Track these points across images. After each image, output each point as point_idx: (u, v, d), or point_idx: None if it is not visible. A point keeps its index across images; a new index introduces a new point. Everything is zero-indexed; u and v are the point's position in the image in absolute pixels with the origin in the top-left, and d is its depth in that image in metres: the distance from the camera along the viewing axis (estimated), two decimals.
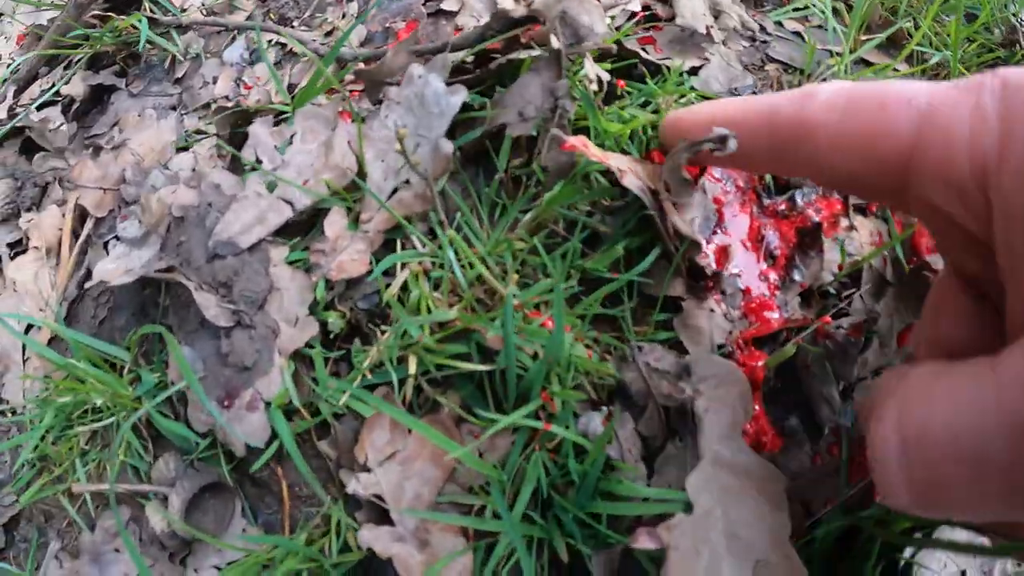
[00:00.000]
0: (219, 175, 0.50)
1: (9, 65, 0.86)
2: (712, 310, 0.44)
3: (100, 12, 0.76)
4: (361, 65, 0.53)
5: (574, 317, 0.42)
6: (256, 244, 0.47)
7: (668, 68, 0.52)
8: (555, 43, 0.41)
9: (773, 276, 0.48)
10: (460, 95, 0.42)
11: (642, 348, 0.42)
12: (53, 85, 0.76)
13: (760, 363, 0.45)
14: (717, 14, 0.59)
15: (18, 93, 0.76)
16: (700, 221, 0.47)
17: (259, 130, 0.50)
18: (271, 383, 0.46)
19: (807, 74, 0.58)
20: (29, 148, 0.73)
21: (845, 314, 0.47)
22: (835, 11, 0.65)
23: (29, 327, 0.62)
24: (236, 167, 0.53)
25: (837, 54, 0.61)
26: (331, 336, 0.47)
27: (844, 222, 0.52)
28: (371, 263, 0.46)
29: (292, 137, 0.49)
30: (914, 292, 0.47)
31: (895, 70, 0.61)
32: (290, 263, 0.47)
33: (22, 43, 0.88)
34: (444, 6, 0.63)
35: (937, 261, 0.49)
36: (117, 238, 0.58)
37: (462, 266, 0.44)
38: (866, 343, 0.45)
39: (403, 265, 0.45)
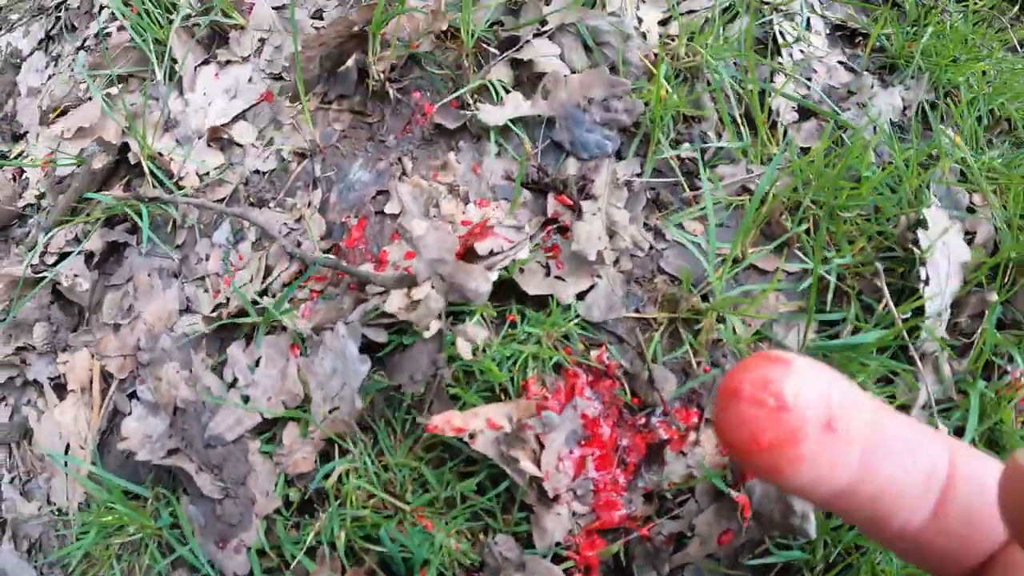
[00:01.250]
0: (209, 378, 0.72)
1: (39, 198, 1.07)
2: (559, 513, 0.66)
3: (107, 174, 0.96)
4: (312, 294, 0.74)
5: (447, 519, 0.65)
6: (238, 438, 0.70)
7: (553, 298, 0.72)
8: (434, 326, 0.61)
9: (622, 479, 0.69)
10: (366, 366, 0.63)
11: (498, 541, 0.64)
12: (76, 237, 0.97)
13: (593, 552, 0.67)
14: (612, 234, 0.77)
15: (47, 243, 0.98)
16: (567, 435, 0.68)
17: (235, 352, 0.71)
18: (250, 535, 0.69)
19: (685, 288, 0.76)
20: (61, 294, 0.95)
21: (677, 516, 0.68)
22: (739, 207, 0.82)
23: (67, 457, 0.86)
24: (221, 370, 0.75)
25: (734, 261, 0.78)
26: (291, 505, 0.70)
27: (692, 436, 0.71)
28: (316, 461, 0.68)
29: (259, 360, 0.71)
30: (731, 506, 0.67)
31: (784, 271, 0.78)
32: (262, 452, 0.70)
33: (46, 171, 1.09)
34: (388, 209, 0.83)
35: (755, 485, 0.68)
36: (137, 398, 0.81)
37: (376, 473, 0.66)
38: (680, 546, 0.67)
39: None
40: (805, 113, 0.91)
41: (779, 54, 0.95)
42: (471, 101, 0.85)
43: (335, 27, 0.86)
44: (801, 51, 0.97)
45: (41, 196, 1.04)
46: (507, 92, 0.84)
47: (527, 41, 0.86)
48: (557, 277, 0.73)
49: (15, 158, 1.14)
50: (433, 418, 0.59)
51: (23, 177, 1.08)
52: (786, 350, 0.74)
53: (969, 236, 0.90)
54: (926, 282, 0.77)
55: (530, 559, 0.62)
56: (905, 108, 0.95)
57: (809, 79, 0.94)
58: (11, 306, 0.94)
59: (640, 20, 0.91)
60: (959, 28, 1.01)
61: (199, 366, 0.74)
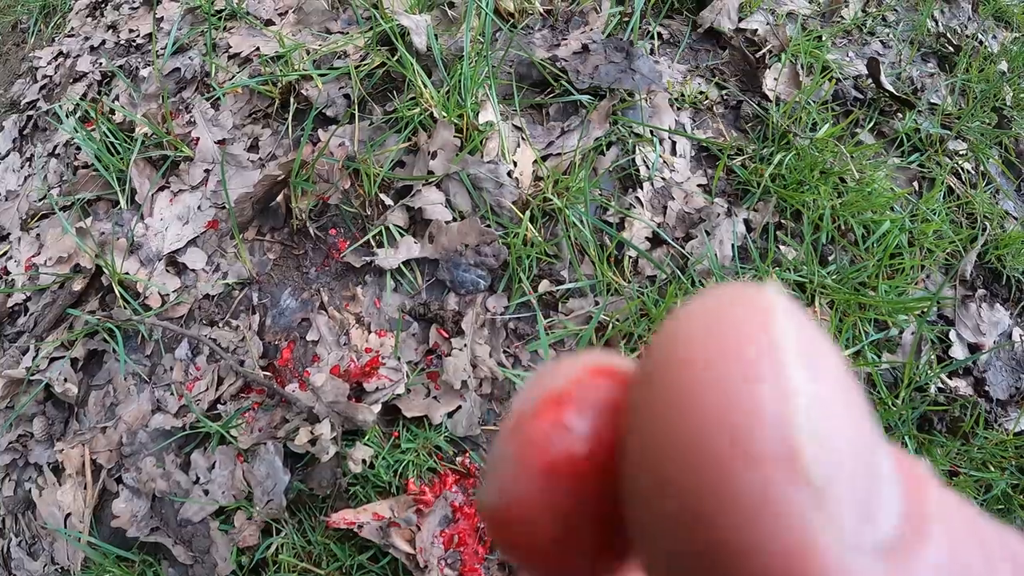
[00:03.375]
0: (179, 475, 1.19)
1: (27, 301, 1.52)
2: None
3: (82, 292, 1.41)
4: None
5: None
6: (202, 520, 1.16)
7: (427, 418, 1.17)
8: (332, 450, 1.06)
9: (481, 552, 1.15)
10: (288, 476, 1.08)
11: None
12: (63, 344, 1.42)
13: None
14: (475, 365, 1.21)
15: (38, 342, 1.43)
16: (440, 519, 1.13)
17: (197, 458, 1.17)
18: None
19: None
20: (51, 392, 1.41)
21: None
22: (591, 341, 1.26)
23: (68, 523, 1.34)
24: (187, 466, 1.21)
25: None
26: (243, 569, 1.17)
27: None
28: (259, 537, 1.15)
29: (214, 464, 1.16)
30: None
31: None
32: (220, 530, 1.16)
33: (29, 270, 1.54)
34: (309, 336, 1.27)
35: None
36: (123, 483, 1.27)
37: (301, 547, 1.12)
38: None
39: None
40: (655, 241, 1.33)
41: (639, 186, 1.36)
42: (374, 243, 1.28)
43: (263, 181, 1.29)
44: (663, 178, 1.38)
45: (28, 299, 1.49)
46: (402, 235, 1.27)
47: (418, 190, 1.29)
48: (434, 398, 1.18)
49: (0, 257, 1.59)
50: (332, 515, 1.05)
51: (9, 279, 1.54)
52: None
53: None
54: None
55: None
56: (751, 231, 1.36)
57: (666, 207, 1.36)
58: (12, 402, 1.41)
59: (515, 163, 1.32)
60: (809, 151, 1.40)
61: (170, 465, 1.20)
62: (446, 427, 1.16)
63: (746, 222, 1.36)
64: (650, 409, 0.12)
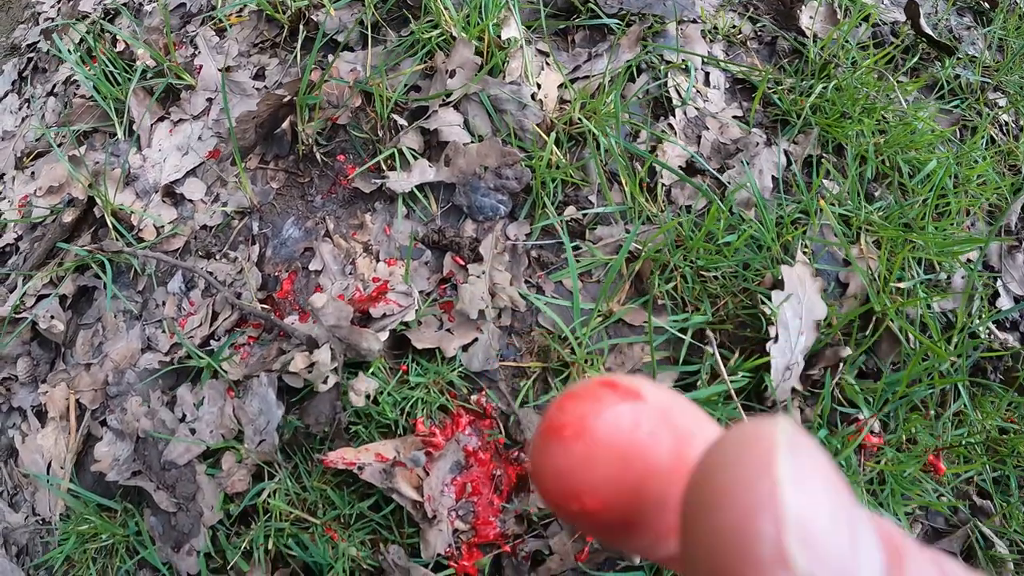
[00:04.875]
0: (164, 413, 0.95)
1: (18, 240, 1.29)
2: (440, 529, 0.88)
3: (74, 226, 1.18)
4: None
5: (350, 532, 0.87)
6: (188, 463, 0.93)
7: (439, 350, 0.93)
8: (332, 380, 0.83)
9: (497, 503, 0.91)
10: (281, 410, 0.85)
11: (391, 550, 0.87)
12: (51, 280, 1.20)
13: (471, 563, 0.89)
14: (495, 294, 0.98)
15: (25, 281, 1.21)
16: (451, 464, 0.90)
17: (184, 393, 0.94)
18: (199, 542, 0.93)
19: (554, 342, 0.97)
20: (39, 332, 1.19)
21: (541, 536, 0.90)
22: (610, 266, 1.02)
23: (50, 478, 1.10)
24: (173, 404, 0.98)
25: (605, 315, 0.98)
26: (231, 517, 0.93)
27: None
28: (249, 483, 0.91)
29: (203, 399, 0.93)
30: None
31: (649, 326, 0.99)
32: (207, 474, 0.93)
33: (22, 214, 1.31)
34: (312, 266, 1.04)
35: None
36: (107, 425, 1.04)
37: (295, 493, 0.89)
38: (541, 562, 0.89)
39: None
40: (692, 171, 1.10)
41: (672, 113, 1.13)
42: (384, 167, 1.05)
43: (267, 100, 1.06)
44: (696, 108, 1.15)
45: (19, 238, 1.27)
46: (415, 159, 1.04)
47: (434, 111, 1.06)
48: (447, 330, 0.94)
49: None
50: (329, 454, 0.81)
51: (1, 218, 1.31)
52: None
53: (843, 288, 1.09)
54: (775, 339, 0.96)
55: (414, 567, 0.85)
56: (791, 164, 1.13)
57: (700, 136, 1.13)
58: None
59: (539, 86, 1.09)
60: (852, 83, 1.17)
61: (156, 402, 0.97)
62: (460, 361, 0.92)
63: (786, 154, 1.13)
64: (695, 516, 0.14)
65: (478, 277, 0.94)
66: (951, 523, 1.11)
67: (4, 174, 1.38)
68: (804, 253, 1.06)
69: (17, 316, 1.16)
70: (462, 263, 0.97)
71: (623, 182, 1.04)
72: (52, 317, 1.14)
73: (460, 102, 1.07)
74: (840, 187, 1.14)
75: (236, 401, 0.91)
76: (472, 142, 1.03)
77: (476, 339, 0.93)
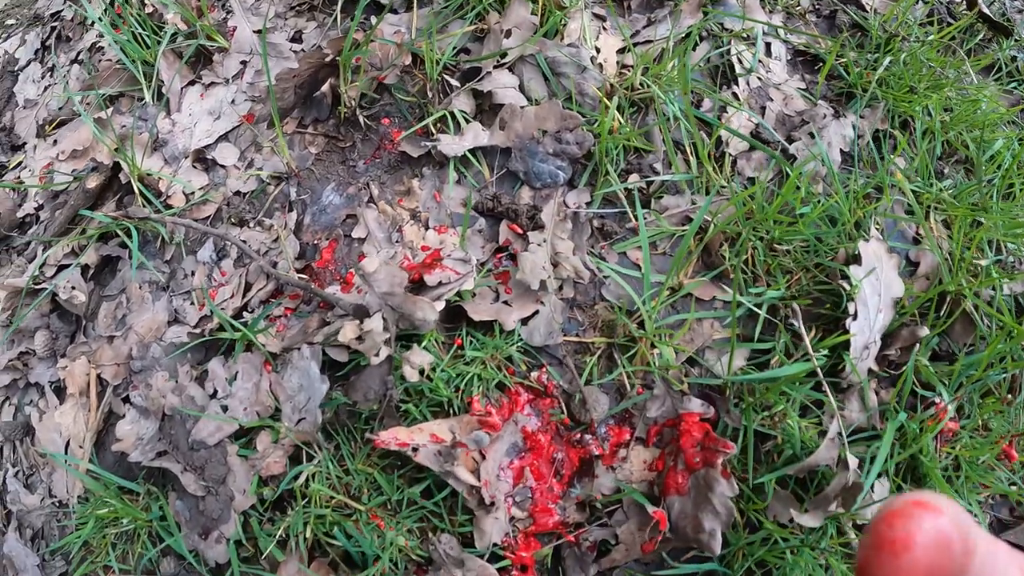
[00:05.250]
0: (193, 389, 0.84)
1: (38, 210, 1.18)
2: (497, 517, 0.77)
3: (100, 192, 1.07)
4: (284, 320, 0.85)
5: (398, 519, 0.76)
6: (218, 443, 0.82)
7: (497, 323, 0.82)
8: (384, 352, 0.72)
9: (557, 489, 0.80)
10: (325, 385, 0.74)
11: (442, 539, 0.76)
12: (73, 250, 1.08)
13: (529, 553, 0.78)
14: (556, 263, 0.87)
15: (46, 256, 1.09)
16: (508, 447, 0.78)
17: (215, 367, 0.83)
18: (229, 528, 0.82)
19: (621, 316, 0.86)
20: (59, 304, 1.07)
21: (606, 525, 0.79)
22: (682, 237, 0.91)
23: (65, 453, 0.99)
24: (203, 379, 0.87)
25: (672, 289, 0.87)
26: (264, 503, 0.82)
27: (622, 452, 0.81)
28: (286, 465, 0.80)
29: (236, 374, 0.82)
30: (649, 518, 0.77)
31: (719, 300, 0.88)
32: (239, 456, 0.82)
33: (44, 181, 1.20)
34: (355, 233, 0.93)
35: (674, 501, 0.78)
36: (130, 402, 0.93)
37: (337, 477, 0.78)
38: (606, 552, 0.77)
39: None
40: (758, 141, 1.00)
41: (735, 83, 1.03)
42: (433, 130, 0.94)
43: (308, 59, 0.96)
44: (759, 78, 1.05)
45: (40, 208, 1.16)
46: (467, 122, 0.94)
47: (487, 72, 0.95)
48: (505, 302, 0.84)
49: (14, 168, 1.25)
50: (380, 434, 0.70)
51: (22, 188, 1.20)
52: (716, 378, 0.82)
53: (913, 267, 0.98)
54: (854, 317, 0.85)
55: (468, 557, 0.74)
56: (859, 138, 1.03)
57: (764, 108, 1.02)
58: (14, 315, 1.07)
59: (598, 50, 0.99)
60: (918, 58, 1.07)
61: (184, 377, 0.86)
62: (519, 335, 0.81)
63: (853, 127, 1.03)
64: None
65: (539, 245, 0.83)
66: (1016, 514, 1.01)
67: (26, 143, 1.27)
68: (877, 229, 0.95)
69: (36, 287, 1.05)
70: (520, 231, 0.87)
71: (688, 150, 0.94)
72: (73, 288, 1.03)
73: (515, 64, 0.96)
74: (908, 164, 1.04)
75: (273, 376, 0.80)
76: (527, 105, 0.93)
77: (536, 312, 0.82)
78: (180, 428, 0.84)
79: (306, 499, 0.77)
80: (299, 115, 1.03)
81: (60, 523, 0.99)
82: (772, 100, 1.03)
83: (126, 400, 0.96)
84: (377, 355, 0.70)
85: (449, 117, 0.93)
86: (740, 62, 1.04)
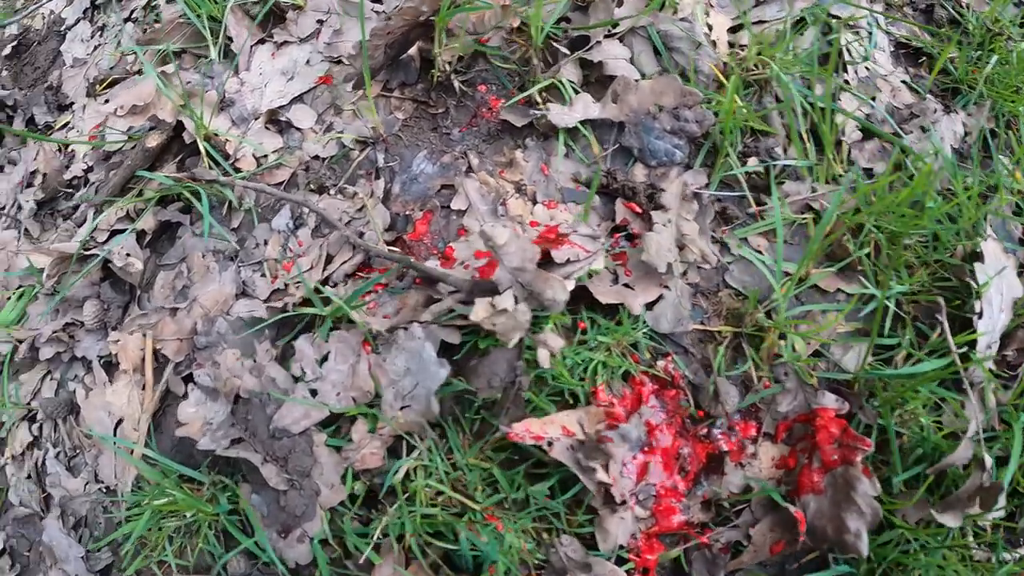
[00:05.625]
0: (274, 370, 0.73)
1: (87, 172, 1.05)
2: (623, 517, 0.67)
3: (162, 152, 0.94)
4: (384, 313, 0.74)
5: (515, 520, 0.66)
6: (304, 431, 0.70)
7: (624, 307, 0.72)
8: (503, 335, 0.62)
9: (682, 486, 0.70)
10: (445, 370, 0.63)
11: (563, 541, 0.66)
12: (128, 215, 0.96)
13: (653, 555, 0.68)
14: (682, 246, 0.77)
15: (96, 214, 0.96)
16: (633, 440, 0.68)
17: (303, 346, 0.71)
18: (314, 526, 0.70)
19: (751, 304, 0.76)
20: (111, 271, 0.94)
21: (734, 525, 0.69)
22: (801, 225, 0.82)
23: (115, 429, 0.86)
24: (285, 357, 0.75)
25: (780, 280, 0.78)
26: (355, 498, 0.71)
27: (750, 448, 0.72)
28: (384, 458, 0.69)
29: (328, 355, 0.71)
30: (787, 519, 0.68)
31: (844, 292, 0.79)
32: (328, 446, 0.71)
33: (93, 140, 1.07)
34: (454, 205, 0.82)
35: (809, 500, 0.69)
36: (194, 382, 0.81)
37: (445, 471, 0.67)
38: (736, 553, 0.68)
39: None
40: (868, 132, 0.92)
41: (844, 70, 0.94)
42: (539, 99, 0.84)
43: (403, 14, 0.85)
44: (866, 68, 0.96)
45: (88, 170, 1.02)
46: (576, 93, 0.84)
47: (597, 42, 0.85)
48: (625, 285, 0.74)
49: (61, 129, 1.11)
50: (514, 426, 0.60)
51: (68, 150, 1.06)
52: (846, 373, 0.74)
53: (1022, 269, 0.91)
54: (980, 315, 0.78)
55: (595, 561, 0.64)
56: (966, 135, 0.95)
57: (873, 98, 0.94)
58: (60, 282, 0.94)
59: (710, 27, 0.90)
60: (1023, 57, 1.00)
61: (263, 356, 0.74)
62: (644, 321, 0.71)
63: (963, 124, 0.95)
64: None
65: (664, 226, 0.74)
66: None
67: (74, 103, 1.13)
68: (991, 228, 0.88)
69: (86, 253, 0.92)
70: (639, 210, 0.77)
71: (805, 136, 0.85)
72: (128, 255, 0.90)
73: (624, 36, 0.87)
74: (1012, 164, 0.96)
75: (374, 357, 0.69)
76: (642, 79, 0.83)
77: (660, 297, 0.72)
78: (259, 413, 0.72)
79: (408, 496, 0.66)
80: (384, 78, 0.91)
81: (107, 512, 0.86)
82: (880, 91, 0.95)
83: (187, 379, 0.83)
84: (513, 337, 0.59)
85: (560, 86, 0.83)
86: (848, 52, 0.96)
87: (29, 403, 0.94)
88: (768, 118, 0.86)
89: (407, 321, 0.68)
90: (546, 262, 0.67)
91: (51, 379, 0.94)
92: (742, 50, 0.90)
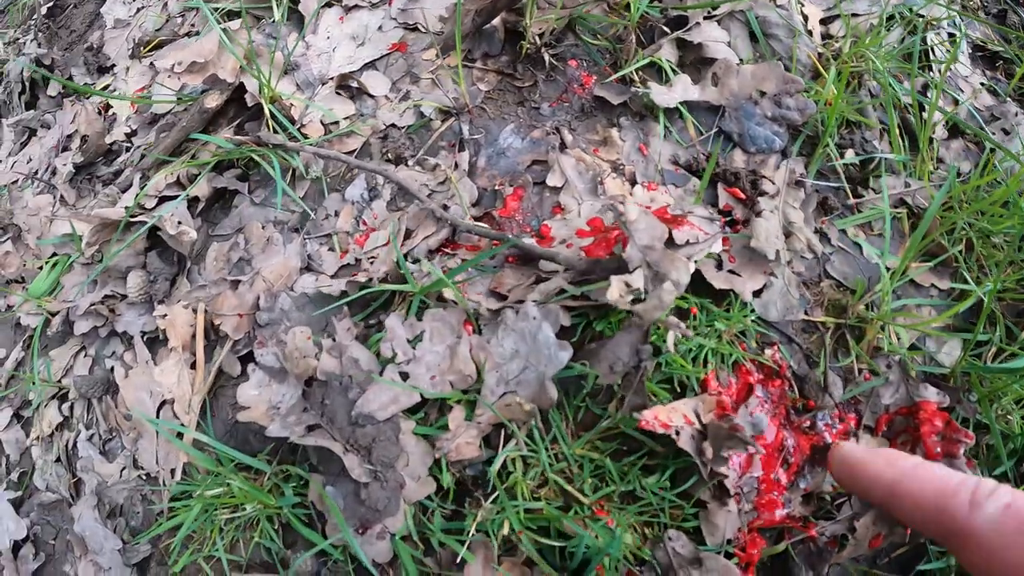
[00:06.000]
0: (357, 350, 0.65)
1: (130, 136, 0.95)
2: (730, 511, 0.61)
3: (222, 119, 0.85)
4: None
5: (625, 515, 0.59)
6: (390, 417, 0.62)
7: (734, 294, 0.66)
8: (645, 316, 0.55)
9: (784, 479, 0.65)
10: (567, 353, 0.56)
11: (671, 536, 0.59)
12: (178, 180, 0.86)
13: (757, 550, 0.63)
14: (788, 234, 0.71)
15: (143, 180, 0.86)
16: (757, 429, 0.62)
17: (394, 324, 0.63)
18: (396, 521, 0.62)
19: (857, 297, 0.71)
20: (158, 240, 0.85)
21: (832, 518, 0.64)
22: (895, 219, 0.78)
23: (166, 418, 0.77)
24: (370, 334, 0.67)
25: (888, 269, 0.73)
26: (444, 490, 0.63)
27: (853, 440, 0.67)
28: (481, 447, 0.61)
29: (422, 334, 0.63)
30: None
31: (936, 287, 0.75)
32: (416, 434, 0.63)
33: (137, 108, 0.97)
34: (549, 181, 0.75)
35: None
36: (256, 362, 0.72)
37: (549, 463, 0.60)
38: (841, 547, 0.63)
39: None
40: (953, 131, 0.88)
41: (930, 69, 0.90)
42: (635, 78, 0.78)
43: None
44: (951, 69, 0.93)
45: (132, 134, 0.92)
46: (675, 73, 0.78)
47: (696, 23, 0.80)
48: (731, 271, 0.68)
49: (101, 91, 1.01)
50: (645, 413, 0.53)
51: (110, 113, 0.96)
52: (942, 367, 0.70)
53: None
54: None
55: (707, 556, 0.57)
56: None
57: (955, 99, 0.91)
58: (101, 251, 0.84)
59: (805, 17, 0.85)
60: None
61: (344, 335, 0.66)
62: (752, 308, 0.66)
63: None
64: None
65: (771, 212, 0.68)
66: None
67: (115, 65, 1.03)
68: None
69: (133, 220, 0.82)
70: (742, 196, 0.71)
71: (902, 131, 0.81)
72: (180, 223, 0.81)
73: (721, 19, 0.81)
74: None
75: (476, 339, 0.61)
76: (743, 63, 0.78)
77: (767, 285, 0.67)
78: (338, 397, 0.64)
79: (507, 487, 0.59)
80: (466, 48, 0.84)
81: (148, 502, 0.76)
82: (963, 92, 0.92)
83: (244, 359, 0.74)
84: (653, 318, 0.52)
85: (663, 65, 0.77)
86: (932, 52, 0.92)
87: (59, 381, 0.84)
88: (864, 111, 0.81)
89: (516, 299, 0.60)
90: (668, 243, 0.61)
91: (85, 356, 0.84)
92: (835, 41, 0.86)
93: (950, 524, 0.32)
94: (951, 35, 0.97)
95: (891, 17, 0.90)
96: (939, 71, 0.92)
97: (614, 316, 0.61)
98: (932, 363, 0.73)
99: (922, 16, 0.94)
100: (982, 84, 0.95)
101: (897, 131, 0.82)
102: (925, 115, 0.84)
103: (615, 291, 0.53)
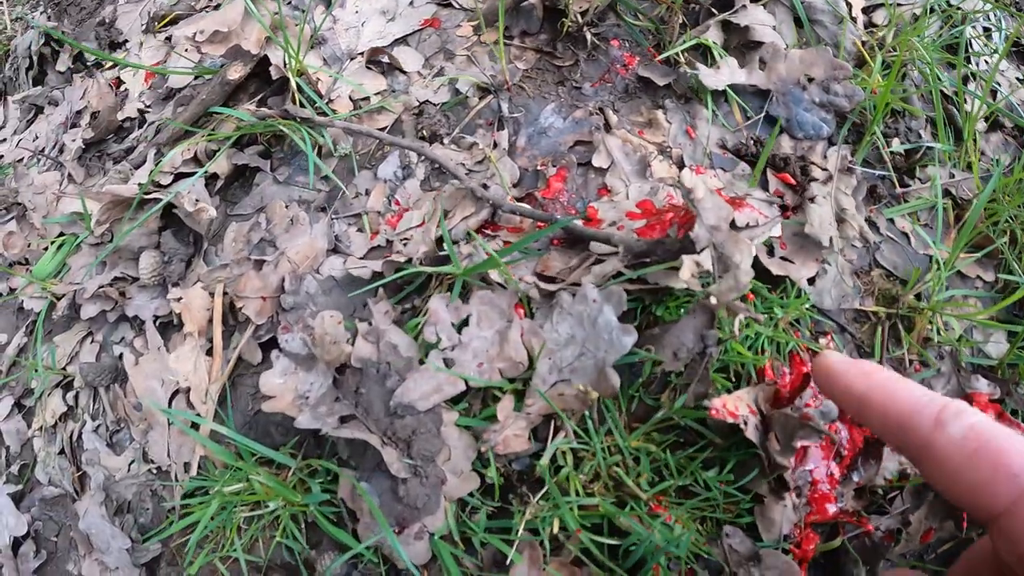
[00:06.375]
0: (396, 335, 0.59)
1: (143, 112, 0.87)
2: (786, 505, 0.57)
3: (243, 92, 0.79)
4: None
5: (684, 510, 0.54)
6: (431, 408, 0.57)
7: (790, 281, 0.62)
8: (720, 298, 0.50)
9: (836, 472, 0.61)
10: (631, 337, 0.51)
11: (728, 532, 0.54)
12: (195, 156, 0.79)
13: (811, 546, 0.58)
14: (840, 220, 0.67)
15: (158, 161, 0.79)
16: (828, 418, 0.58)
17: (438, 307, 0.58)
18: (436, 520, 0.57)
19: (910, 286, 0.67)
20: (172, 219, 0.78)
21: (885, 512, 0.60)
22: (944, 210, 0.74)
23: (180, 407, 0.70)
24: (405, 319, 0.61)
25: (937, 263, 0.69)
26: (488, 486, 0.58)
27: None
28: (530, 439, 0.56)
29: (468, 318, 0.58)
30: (943, 507, 0.60)
31: (982, 279, 0.71)
32: (459, 425, 0.57)
33: (150, 83, 0.90)
34: (594, 161, 0.70)
35: None
36: (280, 348, 0.66)
37: (603, 456, 0.55)
38: (896, 542, 0.59)
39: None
40: (993, 124, 0.85)
41: (969, 62, 0.87)
42: (681, 59, 0.73)
43: None
44: (986, 62, 0.90)
45: (146, 109, 0.85)
46: (721, 56, 0.73)
47: (743, 6, 0.75)
48: (783, 258, 0.63)
49: (113, 67, 0.94)
50: (714, 401, 0.48)
51: (122, 88, 0.89)
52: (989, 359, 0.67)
53: None
54: None
55: (767, 552, 0.53)
56: None
57: (994, 92, 0.88)
58: (111, 230, 0.77)
59: (849, 4, 0.81)
60: None
61: (381, 319, 0.60)
62: (808, 298, 0.61)
63: None
64: None
65: (824, 198, 0.64)
66: None
67: (128, 40, 0.96)
68: None
69: (146, 197, 0.75)
70: (792, 182, 0.67)
71: (942, 122, 0.77)
72: (197, 201, 0.74)
73: (768, 3, 0.77)
74: None
75: (527, 323, 0.56)
76: (791, 48, 0.74)
77: (820, 272, 0.62)
78: (375, 386, 0.58)
79: (558, 480, 0.53)
80: (504, 25, 0.79)
81: (157, 498, 0.70)
82: (1000, 86, 0.89)
83: (265, 345, 0.68)
84: (729, 300, 0.48)
85: (711, 46, 0.72)
86: (970, 44, 0.89)
87: (64, 368, 0.76)
88: (909, 100, 0.78)
89: (571, 283, 0.55)
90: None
91: (92, 341, 0.77)
92: (879, 30, 0.82)
93: (913, 438, 0.33)
94: (986, 29, 0.94)
95: (931, 10, 0.87)
96: (985, 63, 0.89)
97: (672, 301, 0.56)
98: (980, 354, 0.69)
99: (960, 9, 0.91)
100: (1018, 79, 0.92)
101: (942, 121, 0.79)
102: (967, 107, 0.81)
103: (687, 271, 0.48)
